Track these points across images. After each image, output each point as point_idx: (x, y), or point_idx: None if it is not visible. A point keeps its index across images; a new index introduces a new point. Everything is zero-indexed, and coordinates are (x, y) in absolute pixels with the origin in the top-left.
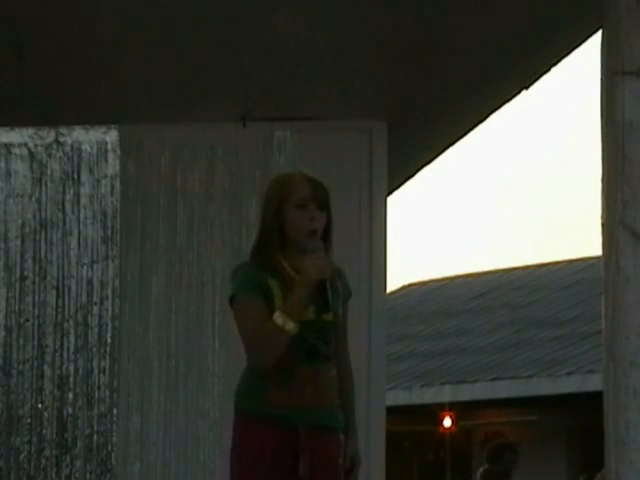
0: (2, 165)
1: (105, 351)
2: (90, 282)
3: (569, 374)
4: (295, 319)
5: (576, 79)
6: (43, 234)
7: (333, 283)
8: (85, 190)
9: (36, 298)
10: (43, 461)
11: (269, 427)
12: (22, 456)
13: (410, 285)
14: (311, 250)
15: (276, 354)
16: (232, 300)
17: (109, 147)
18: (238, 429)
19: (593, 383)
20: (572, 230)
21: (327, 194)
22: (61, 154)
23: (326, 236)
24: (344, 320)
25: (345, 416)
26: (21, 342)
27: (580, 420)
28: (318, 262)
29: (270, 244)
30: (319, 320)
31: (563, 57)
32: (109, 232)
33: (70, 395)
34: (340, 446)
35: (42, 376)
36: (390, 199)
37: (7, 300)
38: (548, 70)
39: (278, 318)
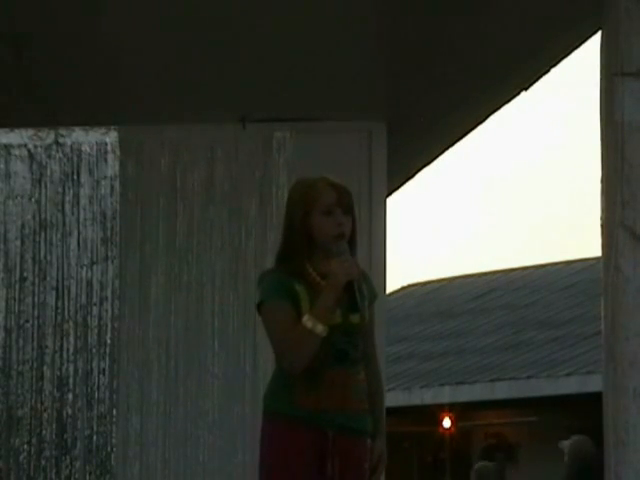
0: (2, 166)
1: (105, 352)
2: (90, 283)
3: (568, 375)
4: (324, 322)
5: (567, 81)
6: (43, 235)
7: (359, 285)
8: (85, 191)
9: (36, 299)
10: (43, 462)
11: (298, 429)
12: (22, 457)
13: (409, 286)
14: (337, 253)
15: (307, 357)
16: (260, 306)
17: (109, 148)
18: (267, 431)
19: (592, 384)
20: (572, 231)
21: (351, 198)
22: (61, 155)
23: (352, 239)
24: (371, 323)
25: (373, 419)
26: (21, 343)
27: (580, 421)
28: (345, 264)
29: (297, 251)
30: (347, 323)
31: (563, 58)
32: (109, 233)
33: (70, 396)
34: (367, 450)
35: (42, 377)
36: (390, 200)
37: (7, 301)
38: (548, 71)
39: (308, 321)
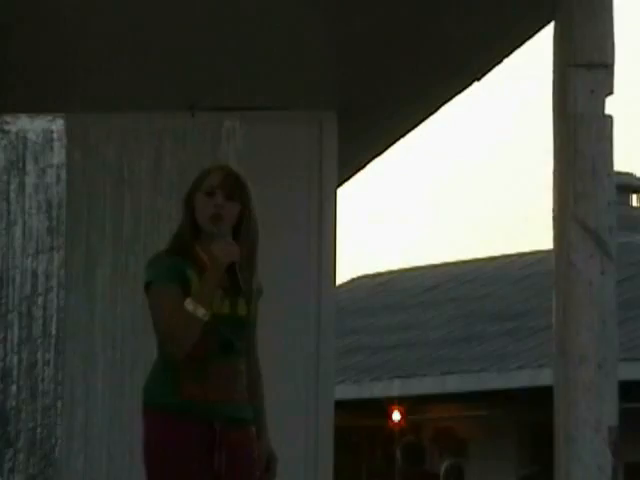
0: None
1: (49, 343)
2: (35, 273)
3: (520, 368)
4: (206, 306)
5: (512, 77)
6: None
7: (248, 278)
8: (30, 179)
9: None
10: None
11: (183, 420)
12: None
13: (359, 278)
14: (218, 236)
15: (189, 342)
16: (147, 288)
17: (55, 136)
18: (150, 424)
19: (543, 378)
20: (523, 223)
21: (241, 185)
22: (6, 142)
23: (238, 225)
24: (255, 318)
25: (256, 416)
26: None
27: (530, 415)
28: (226, 246)
29: (185, 232)
30: (234, 314)
31: (515, 49)
32: (54, 222)
33: (14, 388)
34: (254, 440)
35: None
36: (340, 191)
37: None
38: (500, 62)
39: (188, 305)
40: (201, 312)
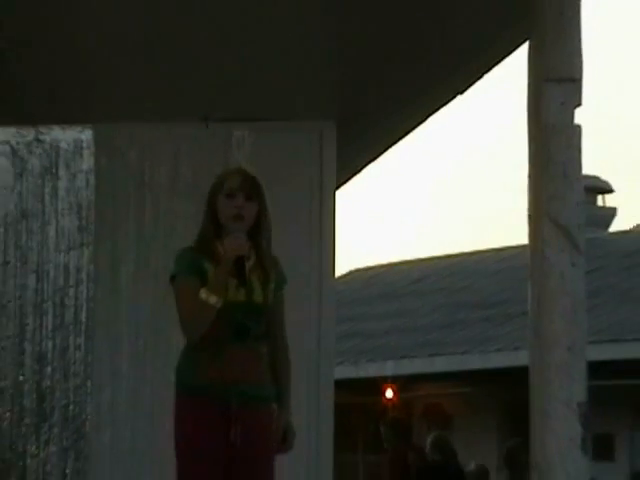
0: None
1: (80, 329)
2: (66, 267)
3: (498, 351)
4: (219, 294)
5: (499, 87)
6: (24, 224)
7: (269, 269)
8: (62, 184)
9: (17, 281)
10: (23, 429)
11: (203, 401)
12: (5, 424)
13: (356, 271)
14: (232, 231)
15: (203, 327)
16: (172, 280)
17: (84, 145)
18: (176, 404)
19: (520, 359)
20: (501, 222)
21: (257, 186)
22: (40, 151)
23: (257, 224)
24: (280, 305)
25: (278, 391)
26: (4, 321)
27: (509, 393)
28: (236, 240)
29: (207, 231)
30: (250, 301)
31: (494, 65)
32: (84, 222)
33: (48, 369)
34: (271, 416)
35: (23, 352)
36: (339, 193)
37: None
38: (481, 77)
39: (202, 294)
40: (213, 300)
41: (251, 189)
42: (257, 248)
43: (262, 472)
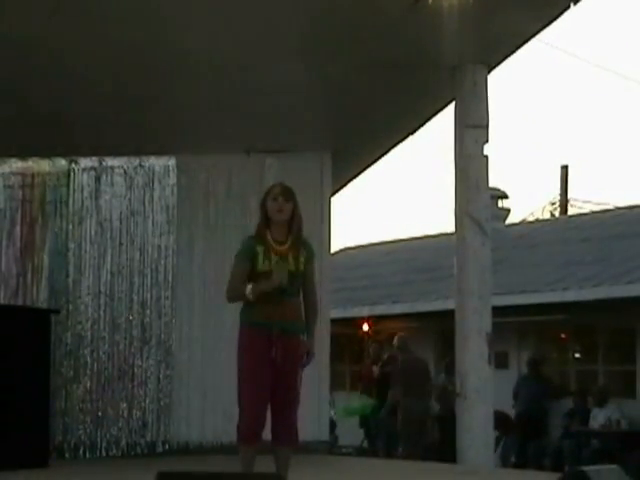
0: (108, 179)
1: (168, 286)
2: (159, 246)
3: (436, 299)
4: (254, 296)
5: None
6: (132, 219)
7: (299, 247)
8: (156, 193)
9: (128, 255)
10: (133, 349)
11: (256, 330)
12: (121, 346)
13: (346, 249)
14: (277, 222)
15: (235, 301)
16: (236, 256)
17: (170, 168)
18: (240, 331)
19: (450, 304)
20: (437, 218)
21: (292, 193)
22: (143, 172)
23: (292, 218)
24: (311, 273)
25: (306, 328)
26: (119, 280)
27: (443, 325)
28: (278, 279)
29: (261, 224)
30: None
31: (432, 116)
32: (170, 217)
33: (148, 311)
34: (300, 343)
35: (131, 300)
36: (334, 198)
37: (112, 257)
38: (423, 124)
39: (247, 289)
40: (250, 296)
41: (288, 194)
42: (291, 233)
43: (292, 378)
